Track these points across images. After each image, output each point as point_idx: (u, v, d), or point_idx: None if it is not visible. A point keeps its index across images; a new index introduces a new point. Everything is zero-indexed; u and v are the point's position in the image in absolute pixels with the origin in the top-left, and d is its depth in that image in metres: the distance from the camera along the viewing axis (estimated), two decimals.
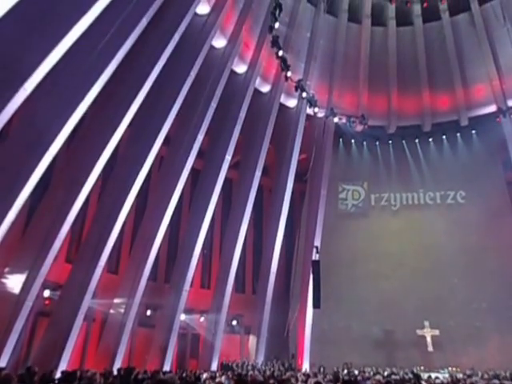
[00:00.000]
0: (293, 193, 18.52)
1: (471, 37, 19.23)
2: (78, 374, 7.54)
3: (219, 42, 16.29)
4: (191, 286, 15.35)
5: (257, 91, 17.86)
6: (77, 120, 10.75)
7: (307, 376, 10.32)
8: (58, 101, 10.29)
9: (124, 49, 11.49)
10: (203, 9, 15.08)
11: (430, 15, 19.82)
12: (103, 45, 11.03)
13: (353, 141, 21.13)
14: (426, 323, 16.70)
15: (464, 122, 20.27)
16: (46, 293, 12.02)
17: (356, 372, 14.02)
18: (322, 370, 15.03)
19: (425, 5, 18.76)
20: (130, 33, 11.57)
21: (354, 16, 19.97)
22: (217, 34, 15.69)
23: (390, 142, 21.09)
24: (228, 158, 16.18)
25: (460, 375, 13.16)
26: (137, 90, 12.44)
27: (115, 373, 9.40)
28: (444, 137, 20.61)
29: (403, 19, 20.02)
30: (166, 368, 13.45)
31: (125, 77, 12.34)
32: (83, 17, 10.07)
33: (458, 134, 20.50)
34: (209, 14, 15.27)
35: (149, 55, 12.98)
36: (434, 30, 19.99)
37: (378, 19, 20.05)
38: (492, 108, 19.40)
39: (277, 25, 15.57)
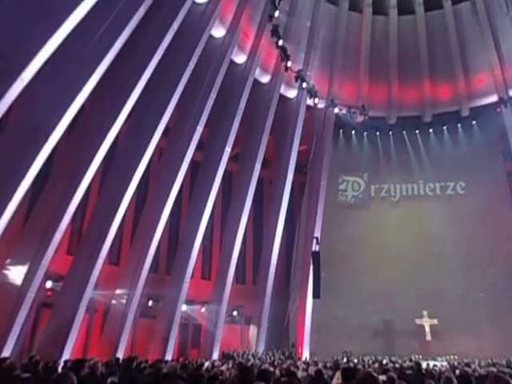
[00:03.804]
0: (293, 184, 18.52)
1: (473, 26, 19.02)
2: (81, 363, 7.62)
3: (218, 32, 16.09)
4: (192, 277, 15.45)
5: (256, 82, 17.70)
6: (75, 111, 10.67)
7: (307, 364, 10.46)
8: (55, 91, 10.20)
9: (122, 38, 11.35)
10: None
11: (432, 3, 19.57)
12: (101, 34, 10.91)
13: (353, 132, 21.04)
14: (425, 313, 16.88)
15: (465, 113, 20.16)
16: (48, 284, 12.10)
17: (355, 361, 14.20)
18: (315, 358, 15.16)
19: None
20: (127, 22, 11.42)
21: (355, 5, 19.71)
22: (216, 24, 15.49)
23: (391, 132, 21.00)
24: (228, 149, 16.12)
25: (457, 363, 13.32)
26: (135, 80, 12.33)
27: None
28: (444, 128, 20.52)
29: (405, 8, 19.76)
30: (168, 358, 13.61)
31: (123, 67, 12.23)
32: (80, 5, 9.91)
33: (459, 125, 20.42)
34: (207, 3, 15.05)
35: (147, 45, 12.83)
36: (435, 19, 19.76)
37: (379, 8, 19.78)
38: (493, 98, 19.29)
39: (276, 13, 15.36)
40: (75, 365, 5.47)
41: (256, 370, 3.79)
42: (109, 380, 4.41)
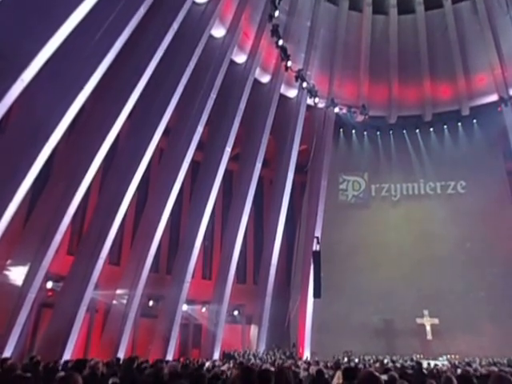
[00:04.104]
0: (293, 184, 18.52)
1: (473, 25, 18.99)
2: (82, 363, 7.62)
3: (218, 32, 16.08)
4: (193, 276, 15.46)
5: (256, 82, 17.69)
6: (76, 111, 10.69)
7: (308, 364, 10.47)
8: (56, 91, 10.20)
9: (122, 38, 11.35)
10: None
11: (432, 3, 19.54)
12: (101, 34, 10.92)
13: (353, 131, 21.02)
14: (426, 312, 16.88)
15: (465, 112, 20.14)
16: (49, 284, 12.10)
17: (356, 360, 14.20)
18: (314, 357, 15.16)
19: None
20: (127, 22, 11.43)
21: (355, 4, 19.68)
22: (216, 23, 15.48)
23: (391, 132, 20.99)
24: (228, 149, 16.11)
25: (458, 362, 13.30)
26: (136, 80, 12.33)
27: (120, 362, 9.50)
28: (445, 127, 20.50)
29: (405, 7, 19.73)
30: (169, 358, 13.61)
31: (123, 67, 12.24)
32: (80, 5, 9.92)
33: (459, 124, 20.39)
34: (207, 3, 15.05)
35: (147, 45, 12.83)
36: (435, 18, 19.74)
37: (379, 7, 19.76)
38: (493, 97, 19.27)
39: (276, 13, 15.36)
40: (76, 365, 5.47)
41: (256, 371, 3.80)
42: (110, 381, 4.40)
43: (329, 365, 10.04)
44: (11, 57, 8.86)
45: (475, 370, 8.60)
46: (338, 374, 4.94)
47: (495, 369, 8.30)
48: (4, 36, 8.66)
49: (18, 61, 9.05)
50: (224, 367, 9.12)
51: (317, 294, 13.92)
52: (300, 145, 18.68)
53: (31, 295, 10.53)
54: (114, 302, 13.75)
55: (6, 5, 8.41)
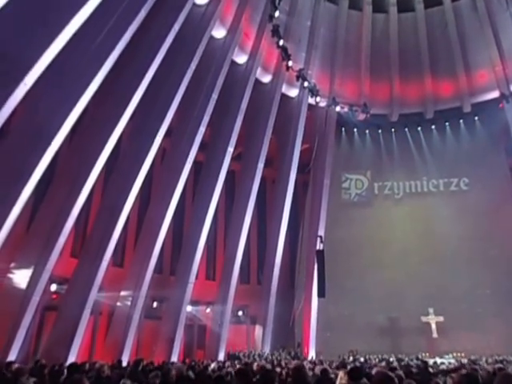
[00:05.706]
0: (296, 183, 18.50)
1: (473, 22, 18.95)
2: (87, 366, 7.62)
3: (219, 33, 16.09)
4: (196, 277, 15.44)
5: (258, 81, 17.69)
6: (78, 114, 10.70)
7: (314, 364, 10.44)
8: (58, 94, 10.22)
9: (123, 41, 11.37)
10: None
11: (432, 0, 19.51)
12: (103, 37, 10.94)
13: (355, 130, 21.00)
14: (431, 310, 16.82)
15: (467, 109, 20.08)
16: (53, 287, 12.10)
17: (362, 359, 14.15)
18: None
19: None
20: (129, 24, 11.45)
21: (355, 3, 19.66)
22: (216, 24, 15.49)
23: (393, 130, 20.96)
24: (230, 149, 16.10)
25: (464, 360, 13.25)
26: (137, 82, 12.34)
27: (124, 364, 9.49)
28: (447, 124, 20.47)
29: (405, 5, 19.72)
30: (174, 359, 13.60)
31: (125, 70, 12.26)
32: (82, 8, 9.94)
33: (461, 121, 20.35)
34: (208, 4, 15.05)
35: (148, 47, 12.85)
36: (435, 16, 19.70)
37: (379, 6, 19.74)
38: (495, 94, 19.22)
39: (277, 13, 15.36)
40: (78, 369, 5.48)
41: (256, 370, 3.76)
42: (121, 382, 4.41)
43: (334, 365, 9.99)
44: (14, 60, 8.87)
45: (481, 369, 8.52)
46: (341, 374, 4.87)
47: (501, 366, 8.22)
48: (7, 40, 8.68)
49: (21, 64, 9.06)
50: (229, 368, 9.10)
51: (321, 294, 13.90)
52: (302, 144, 18.66)
53: (35, 298, 10.54)
54: (118, 303, 13.75)
55: (8, 9, 8.43)
